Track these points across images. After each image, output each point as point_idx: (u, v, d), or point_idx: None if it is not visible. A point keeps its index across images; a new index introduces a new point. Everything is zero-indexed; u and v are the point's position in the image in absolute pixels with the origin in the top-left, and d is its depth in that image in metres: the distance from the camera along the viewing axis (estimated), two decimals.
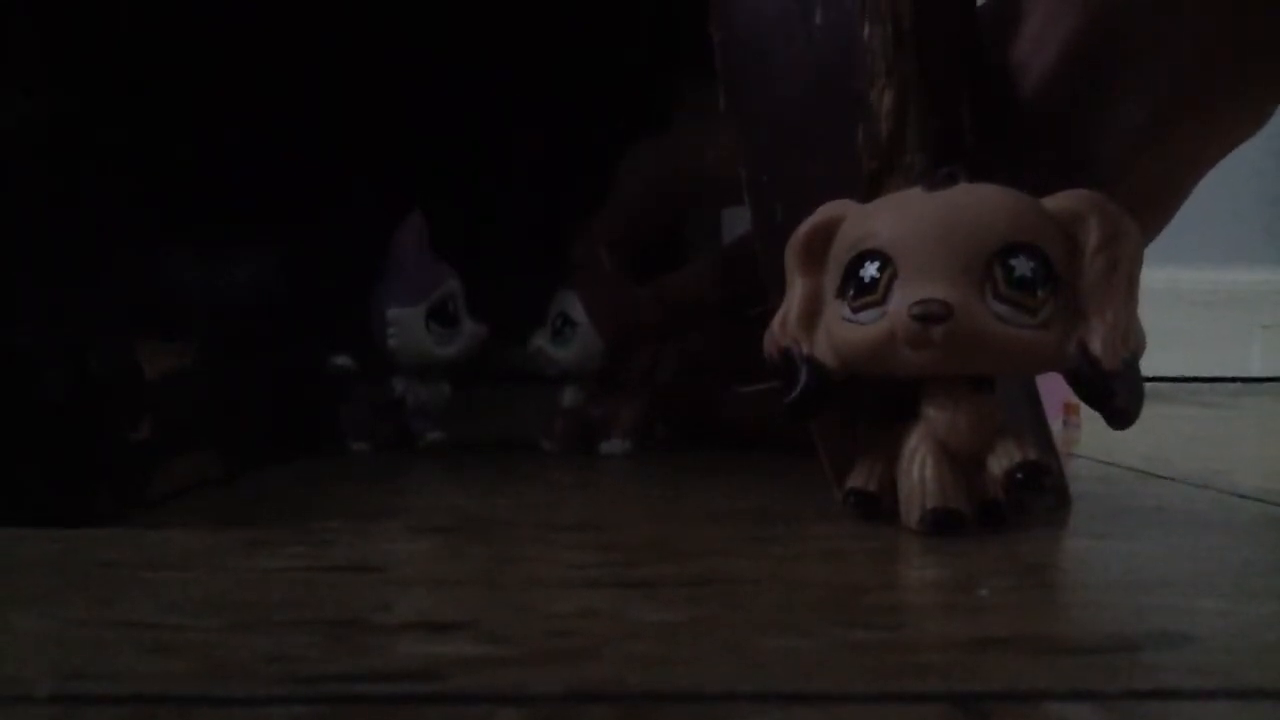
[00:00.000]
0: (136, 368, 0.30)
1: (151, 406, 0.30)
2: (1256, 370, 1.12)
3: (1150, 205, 0.31)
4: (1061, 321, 0.26)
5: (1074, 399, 0.27)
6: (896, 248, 0.26)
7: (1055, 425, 0.38)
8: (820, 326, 0.28)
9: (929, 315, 0.25)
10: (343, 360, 0.45)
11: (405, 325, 0.44)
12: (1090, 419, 0.28)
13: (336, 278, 0.46)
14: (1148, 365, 0.27)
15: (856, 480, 0.29)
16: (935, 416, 0.27)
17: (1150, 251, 0.27)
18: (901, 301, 0.26)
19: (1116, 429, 0.26)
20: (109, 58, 0.42)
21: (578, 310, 0.44)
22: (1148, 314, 0.27)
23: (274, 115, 0.48)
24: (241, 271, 0.48)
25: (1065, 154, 0.31)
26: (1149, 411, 0.27)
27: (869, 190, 0.29)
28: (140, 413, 0.30)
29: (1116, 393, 0.26)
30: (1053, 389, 0.35)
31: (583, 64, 0.47)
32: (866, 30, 0.29)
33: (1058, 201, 0.27)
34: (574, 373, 0.45)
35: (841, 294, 0.27)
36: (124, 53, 0.43)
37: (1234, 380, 1.10)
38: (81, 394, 0.27)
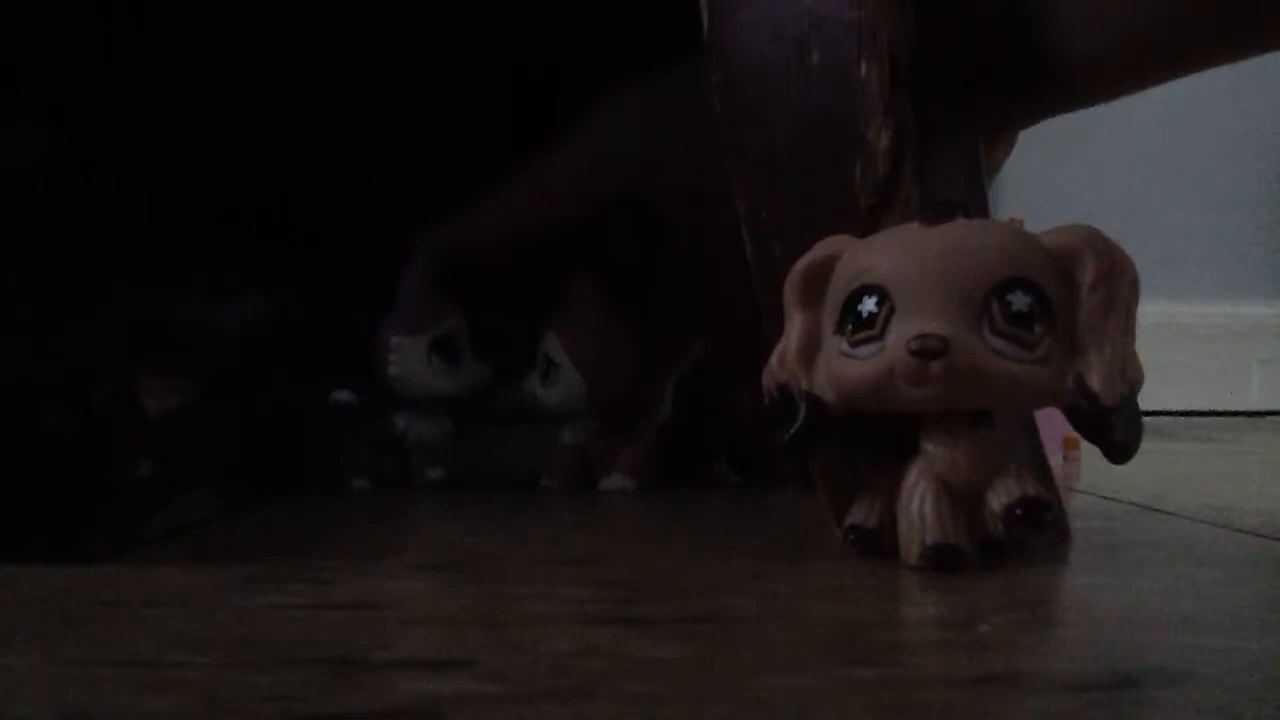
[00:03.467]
0: (138, 405, 0.30)
1: (153, 444, 0.30)
2: (1256, 404, 1.12)
3: None
4: (1059, 356, 0.26)
5: (1073, 433, 0.27)
6: (894, 282, 0.26)
7: (1055, 460, 0.38)
8: (819, 362, 0.28)
9: (927, 350, 0.25)
10: (344, 395, 0.45)
11: (406, 353, 0.44)
12: (1090, 453, 0.28)
13: (339, 314, 0.46)
14: (1146, 400, 0.27)
15: (856, 516, 0.29)
16: (934, 452, 0.27)
17: (1147, 286, 0.27)
18: (900, 336, 0.26)
19: (1116, 463, 0.26)
20: (109, 92, 0.42)
21: (559, 352, 0.44)
22: (1146, 348, 0.27)
23: (278, 149, 0.48)
24: (243, 308, 0.48)
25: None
26: (1148, 446, 0.27)
27: (867, 227, 0.29)
28: (141, 450, 0.30)
29: (1115, 427, 0.26)
30: (1052, 423, 0.35)
31: (589, 104, 0.47)
32: (863, 69, 0.30)
33: (1054, 237, 0.27)
34: (563, 414, 0.45)
35: (840, 329, 0.27)
36: (124, 86, 0.44)
37: (1233, 414, 1.10)
38: (83, 431, 0.28)
